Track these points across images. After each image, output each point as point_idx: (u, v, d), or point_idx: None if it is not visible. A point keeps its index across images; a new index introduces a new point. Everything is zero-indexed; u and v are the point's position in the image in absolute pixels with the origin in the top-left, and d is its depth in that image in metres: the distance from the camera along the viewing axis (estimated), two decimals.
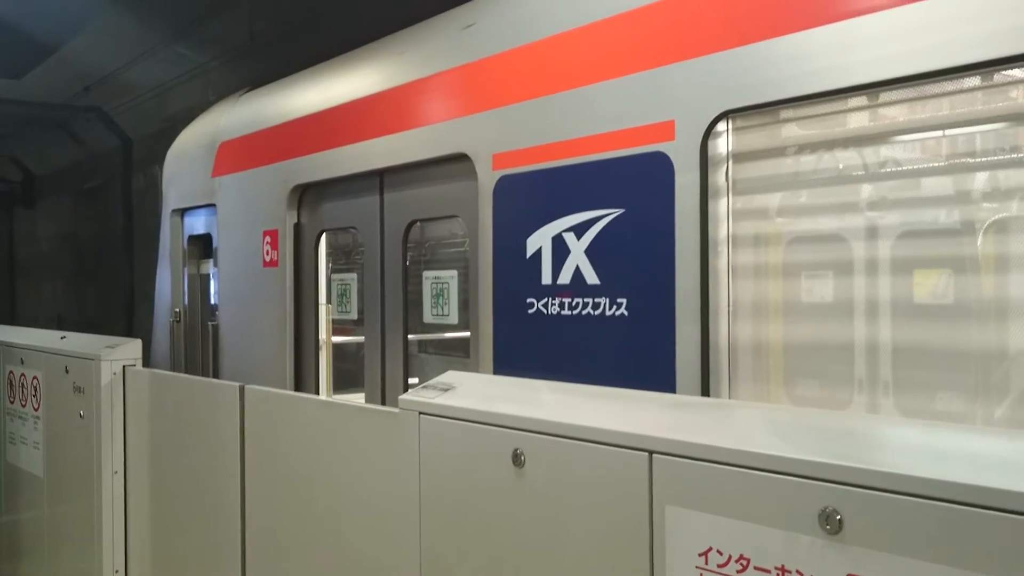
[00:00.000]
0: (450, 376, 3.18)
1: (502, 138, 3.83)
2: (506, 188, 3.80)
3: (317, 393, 5.14)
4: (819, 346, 3.01)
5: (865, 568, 1.88)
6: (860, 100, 2.86)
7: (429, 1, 4.78)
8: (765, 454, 2.05)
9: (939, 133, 2.79)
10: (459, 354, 4.61)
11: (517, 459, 2.62)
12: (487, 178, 3.88)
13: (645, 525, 2.29)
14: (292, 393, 4.20)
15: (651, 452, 2.28)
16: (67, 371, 5.08)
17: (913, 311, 2.80)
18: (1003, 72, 2.56)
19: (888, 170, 2.86)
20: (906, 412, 2.82)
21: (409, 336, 4.69)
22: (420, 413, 2.96)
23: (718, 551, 2.14)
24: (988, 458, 1.97)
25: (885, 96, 2.81)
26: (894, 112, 2.84)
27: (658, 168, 3.20)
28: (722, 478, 2.13)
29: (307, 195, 5.29)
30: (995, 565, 1.71)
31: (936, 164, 2.80)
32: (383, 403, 4.66)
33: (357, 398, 5.02)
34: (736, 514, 2.10)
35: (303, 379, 5.23)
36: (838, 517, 1.92)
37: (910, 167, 2.82)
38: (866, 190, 2.91)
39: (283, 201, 5.29)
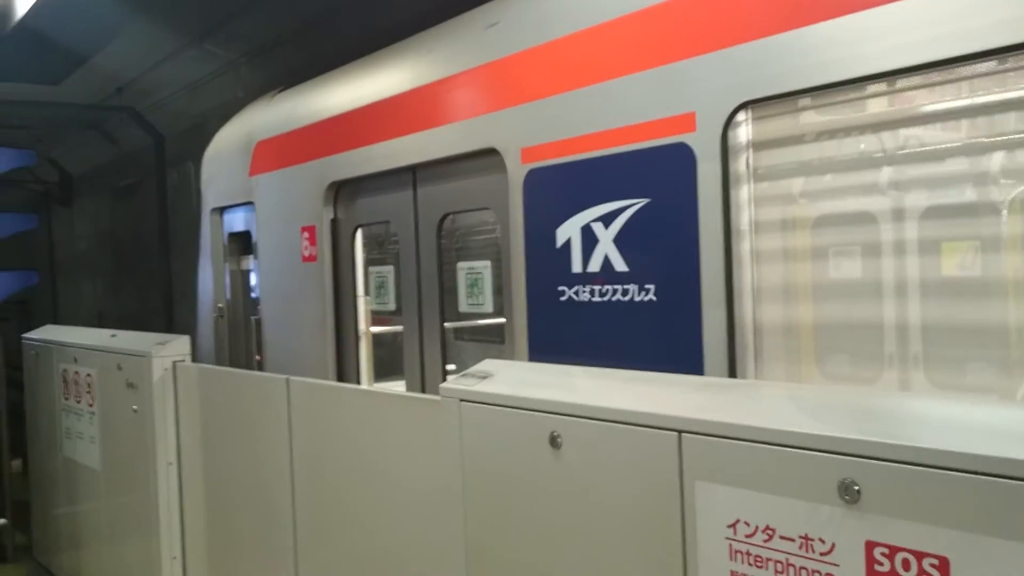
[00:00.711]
0: (488, 364, 3.33)
1: (530, 132, 3.96)
2: (535, 181, 3.94)
3: (358, 383, 5.31)
4: (844, 325, 3.12)
5: (882, 535, 2.02)
6: (873, 87, 2.96)
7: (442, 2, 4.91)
8: (785, 430, 2.19)
9: (955, 116, 2.89)
10: (495, 340, 4.76)
11: (554, 442, 2.77)
12: (516, 171, 4.02)
13: (676, 500, 2.44)
14: (336, 384, 4.38)
15: (680, 432, 2.43)
16: (119, 368, 5.30)
17: (934, 288, 2.91)
18: (1010, 58, 2.66)
19: (902, 152, 2.97)
20: (934, 386, 2.93)
21: (446, 324, 4.85)
22: (461, 400, 3.12)
23: (745, 523, 2.28)
24: (998, 429, 2.09)
25: (890, 84, 2.91)
26: (902, 98, 2.94)
27: (681, 158, 3.32)
28: (747, 454, 2.27)
29: (343, 191, 5.45)
30: (1004, 529, 1.84)
31: (954, 144, 2.90)
32: (423, 390, 4.82)
33: (398, 386, 5.19)
34: (761, 487, 2.24)
35: (344, 369, 5.41)
36: (856, 487, 2.05)
37: (922, 149, 2.92)
38: (884, 173, 3.02)
39: (320, 198, 5.46)
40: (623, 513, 2.60)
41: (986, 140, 2.83)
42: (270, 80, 7.48)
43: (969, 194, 2.86)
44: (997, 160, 2.79)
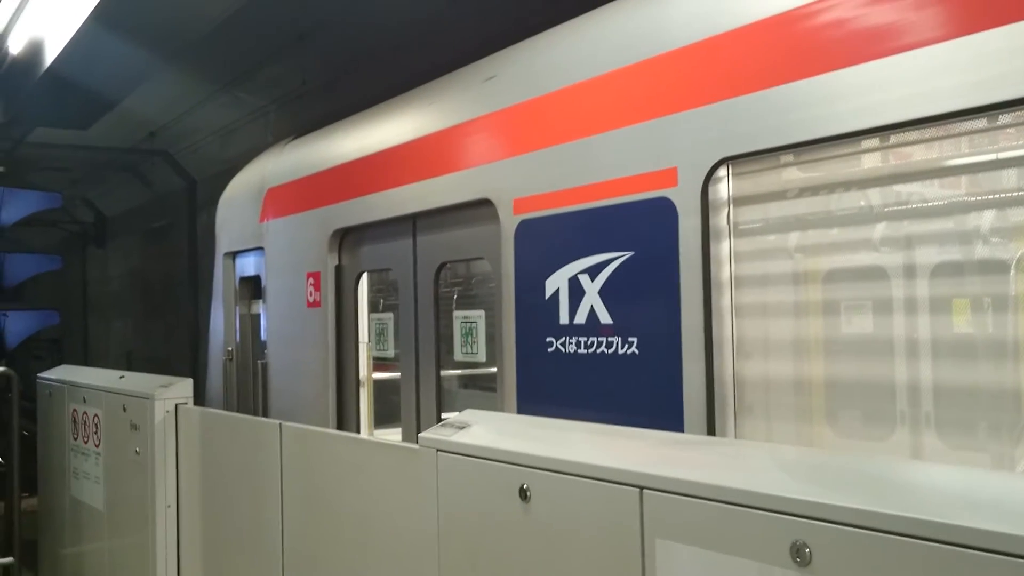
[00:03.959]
0: (467, 415, 3.33)
1: (522, 184, 4.00)
2: (526, 232, 3.97)
3: (358, 430, 5.33)
4: (829, 382, 3.10)
5: None
6: (852, 146, 2.97)
7: (460, 52, 4.98)
8: (739, 489, 2.17)
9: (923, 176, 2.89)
10: (489, 389, 4.77)
11: (524, 495, 2.76)
12: (509, 222, 4.05)
13: (637, 558, 2.41)
14: (324, 430, 4.39)
15: (642, 488, 2.41)
16: (124, 409, 5.35)
17: (909, 347, 2.89)
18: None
19: (880, 210, 2.96)
20: (908, 445, 2.90)
21: (442, 372, 4.86)
22: (438, 450, 3.13)
23: None
24: (955, 495, 2.06)
25: (868, 143, 2.92)
26: (880, 156, 2.94)
27: (663, 212, 3.34)
28: (705, 512, 2.25)
29: (347, 238, 5.52)
30: None
31: (927, 204, 2.90)
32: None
33: (397, 433, 5.20)
34: (718, 547, 2.22)
35: (345, 416, 5.43)
36: (807, 550, 2.03)
37: (897, 208, 2.91)
38: (860, 230, 3.01)
39: (325, 244, 5.53)
40: (588, 569, 2.58)
41: (963, 199, 2.82)
42: (299, 127, 7.62)
43: (955, 252, 2.85)
44: (971, 220, 2.77)
